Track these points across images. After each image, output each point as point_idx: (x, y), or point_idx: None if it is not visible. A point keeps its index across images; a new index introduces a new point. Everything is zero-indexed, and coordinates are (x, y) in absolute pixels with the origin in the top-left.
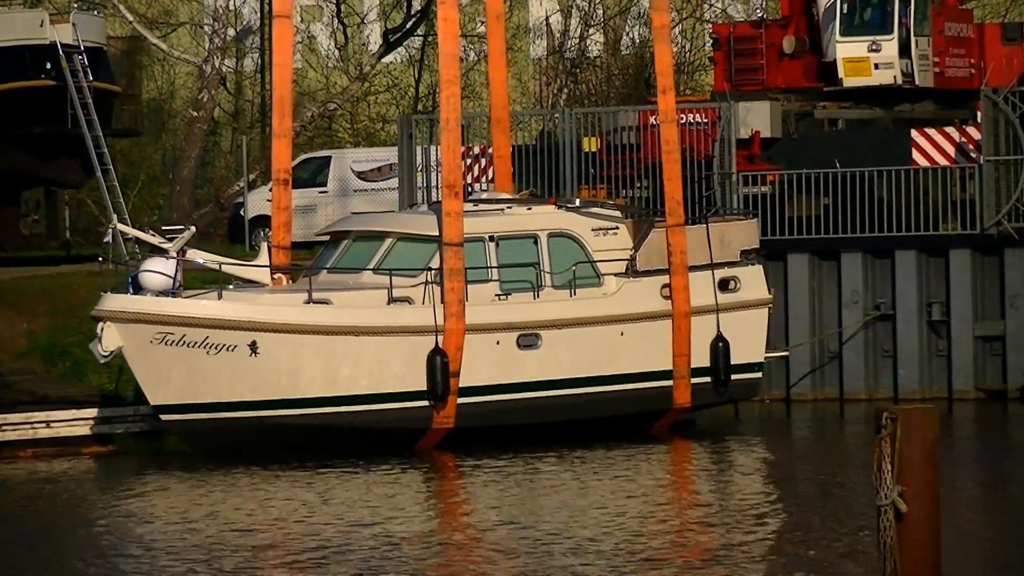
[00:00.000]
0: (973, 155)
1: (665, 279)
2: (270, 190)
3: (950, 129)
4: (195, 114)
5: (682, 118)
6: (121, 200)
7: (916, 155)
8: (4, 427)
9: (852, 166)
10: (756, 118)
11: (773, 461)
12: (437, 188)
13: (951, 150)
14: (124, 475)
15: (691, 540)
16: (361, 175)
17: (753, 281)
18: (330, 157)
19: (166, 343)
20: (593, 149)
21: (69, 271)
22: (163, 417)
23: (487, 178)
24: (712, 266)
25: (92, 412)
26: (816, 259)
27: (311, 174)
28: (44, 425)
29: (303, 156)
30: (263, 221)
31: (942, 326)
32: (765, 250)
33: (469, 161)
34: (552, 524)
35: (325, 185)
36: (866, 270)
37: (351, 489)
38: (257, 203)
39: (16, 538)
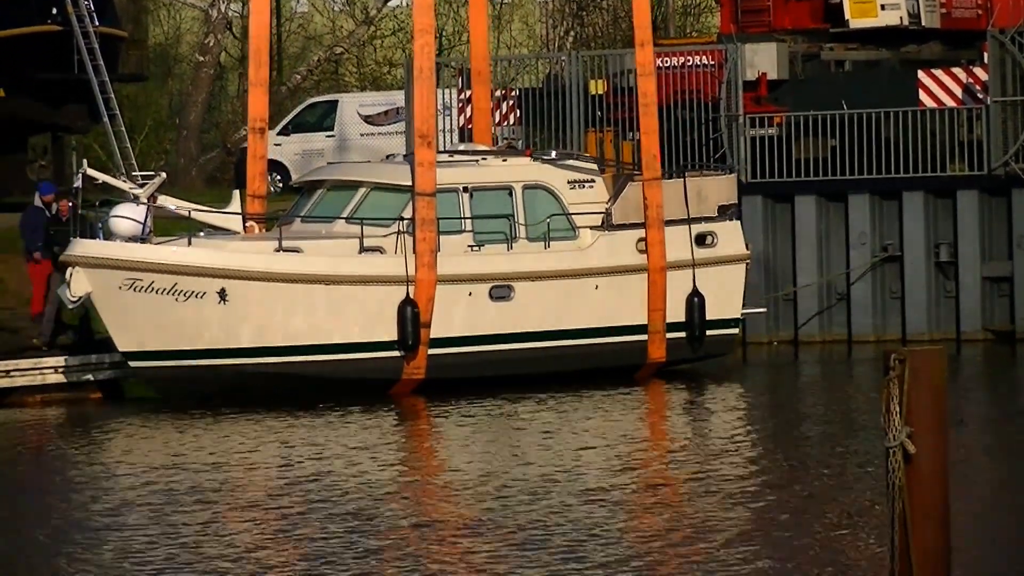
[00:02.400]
0: (980, 96)
1: (641, 233)
2: (278, 134)
3: (957, 70)
4: (201, 59)
5: (689, 60)
6: (128, 145)
7: (923, 96)
8: (13, 373)
9: (859, 107)
10: (763, 60)
11: (780, 403)
12: (443, 131)
13: (958, 91)
14: (124, 419)
15: (686, 476)
16: (368, 119)
17: (731, 236)
18: (336, 101)
19: (135, 289)
20: (600, 92)
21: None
22: (131, 364)
23: (509, 122)
24: (689, 221)
25: (100, 357)
26: (823, 201)
27: (318, 119)
28: (52, 371)
29: (310, 100)
30: (272, 166)
31: (950, 267)
32: (773, 192)
33: (492, 105)
34: (561, 464)
35: (332, 129)
36: (873, 212)
37: (317, 432)
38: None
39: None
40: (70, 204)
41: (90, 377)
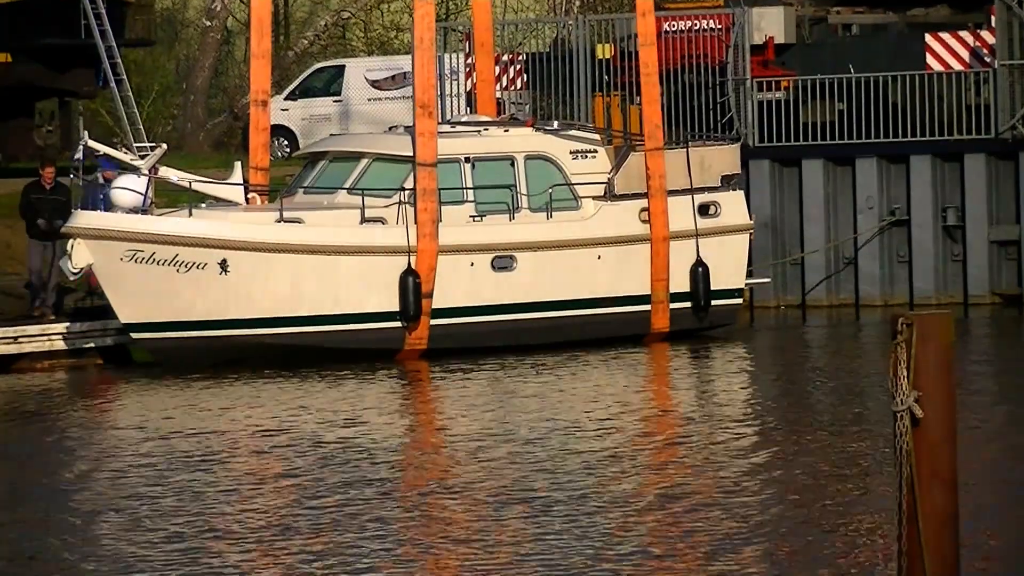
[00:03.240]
0: (987, 59)
1: (643, 203)
2: (285, 99)
3: (964, 33)
4: (208, 23)
5: (696, 24)
6: (135, 110)
7: (930, 60)
8: (21, 339)
9: (866, 71)
10: (770, 24)
11: (787, 366)
12: (449, 96)
13: (965, 55)
14: (132, 384)
15: (690, 438)
16: (375, 84)
17: (734, 206)
18: (344, 66)
19: (136, 260)
20: (607, 56)
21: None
22: (133, 335)
23: (515, 87)
24: (692, 191)
25: (107, 323)
26: (831, 165)
27: (325, 84)
28: (60, 337)
29: (317, 65)
30: (278, 131)
31: (957, 231)
32: (780, 156)
33: (498, 69)
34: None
35: (339, 94)
36: (881, 175)
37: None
38: (272, 113)
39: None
40: (55, 171)
41: (95, 343)
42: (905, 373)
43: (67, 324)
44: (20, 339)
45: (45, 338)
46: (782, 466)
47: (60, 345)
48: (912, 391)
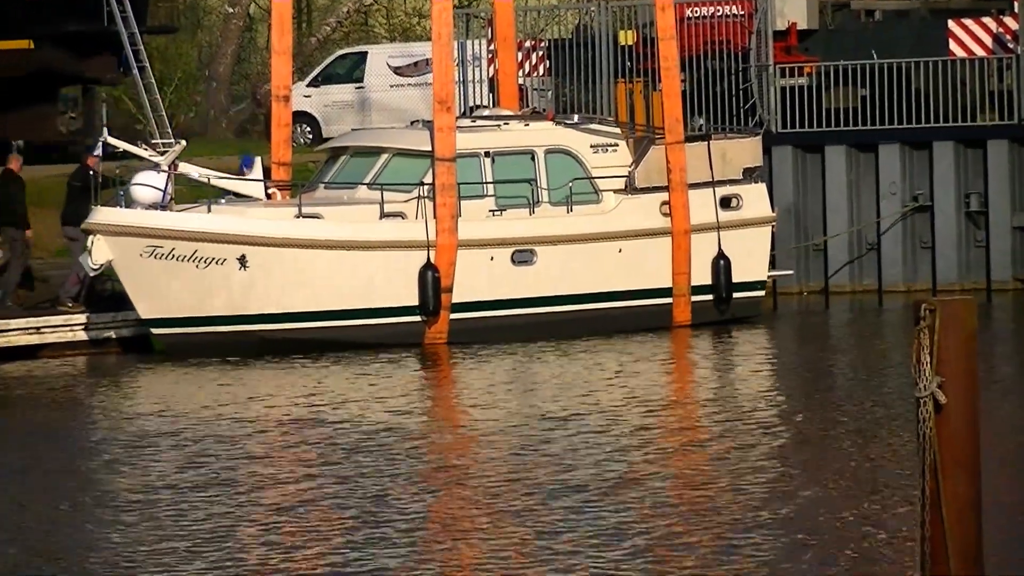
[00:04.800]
0: (1010, 45)
1: (664, 196)
2: (307, 86)
3: (987, 19)
4: (230, 10)
5: (719, 10)
6: (158, 97)
7: (953, 46)
8: (44, 330)
9: (889, 57)
10: (793, 9)
11: (809, 352)
12: (472, 82)
13: (988, 40)
14: (153, 371)
15: (713, 423)
16: (397, 71)
17: (756, 199)
18: (366, 53)
19: (155, 256)
20: (629, 42)
21: (106, 168)
22: (153, 331)
23: (538, 74)
24: (713, 183)
25: (130, 314)
26: (854, 151)
27: (347, 70)
28: (82, 327)
29: (339, 52)
30: (301, 117)
31: (980, 217)
32: (803, 142)
33: (521, 56)
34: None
35: (361, 81)
36: (904, 161)
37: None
38: (294, 99)
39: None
40: (98, 158)
41: (115, 334)
42: (928, 359)
43: (88, 314)
44: (42, 329)
45: (67, 328)
46: (805, 453)
47: (82, 335)
48: (935, 377)
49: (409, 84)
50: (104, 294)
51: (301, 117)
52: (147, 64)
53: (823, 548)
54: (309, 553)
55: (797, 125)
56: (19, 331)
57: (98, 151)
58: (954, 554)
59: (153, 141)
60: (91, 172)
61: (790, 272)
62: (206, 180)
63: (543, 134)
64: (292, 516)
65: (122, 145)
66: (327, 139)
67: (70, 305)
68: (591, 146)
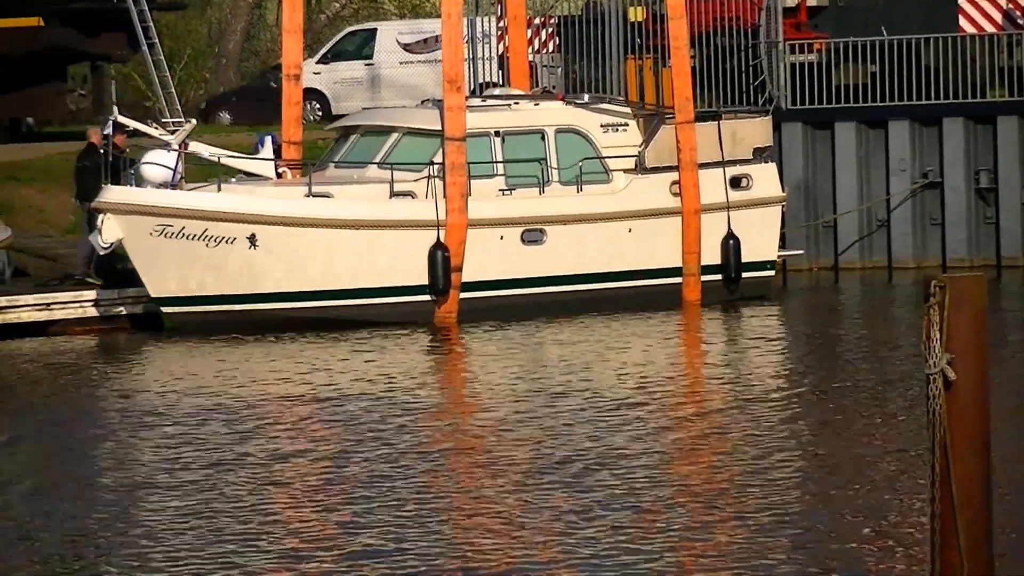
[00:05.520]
0: (1020, 21)
1: (674, 176)
2: (316, 63)
3: None
4: None
5: None
6: (167, 74)
7: (963, 22)
8: (53, 306)
9: (899, 33)
10: None
11: (819, 328)
12: (481, 60)
13: (998, 17)
14: (165, 346)
15: (722, 399)
16: (407, 47)
17: (766, 179)
18: (375, 29)
19: (165, 235)
20: (639, 19)
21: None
22: (163, 309)
23: (548, 50)
24: (723, 163)
25: (137, 292)
26: (864, 127)
27: (356, 47)
28: (92, 304)
29: (348, 29)
30: (310, 95)
31: (990, 193)
32: (813, 118)
33: (530, 33)
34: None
35: (371, 58)
36: (914, 138)
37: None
38: (304, 76)
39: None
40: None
41: (131, 309)
42: (938, 336)
43: (98, 291)
44: (52, 305)
45: (77, 304)
46: (814, 429)
47: (92, 312)
48: (945, 354)
49: (419, 61)
50: (121, 271)
51: (310, 94)
52: (156, 41)
53: (832, 526)
54: (336, 532)
55: (807, 102)
56: (29, 307)
57: (107, 129)
58: (964, 531)
59: (163, 120)
60: (100, 150)
61: (800, 252)
62: (216, 159)
63: (553, 114)
64: (323, 493)
65: (132, 124)
66: (336, 116)
67: (89, 279)
68: (601, 126)
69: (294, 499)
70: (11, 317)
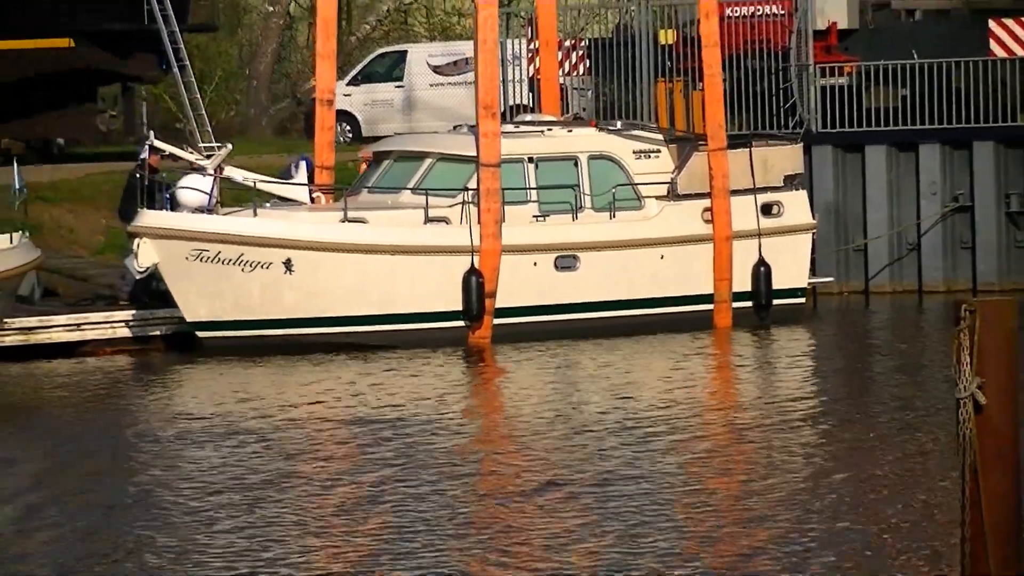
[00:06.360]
0: None
1: (706, 203)
2: (347, 84)
3: None
4: (271, 9)
5: (759, 9)
6: (198, 96)
7: (994, 45)
8: (84, 326)
9: (929, 57)
10: (833, 9)
11: (849, 352)
12: (512, 82)
13: None
14: (198, 367)
15: (753, 422)
16: (437, 69)
17: (796, 206)
18: (406, 51)
19: (201, 260)
20: (670, 42)
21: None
22: (198, 334)
23: (578, 73)
24: (754, 190)
25: (169, 312)
26: (894, 151)
27: (387, 69)
28: (123, 324)
29: (379, 51)
30: (341, 116)
31: (1020, 217)
32: (843, 142)
33: (561, 55)
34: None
35: (401, 80)
36: (944, 161)
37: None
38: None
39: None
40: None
41: (161, 330)
42: (968, 359)
43: (131, 311)
44: (83, 326)
45: (108, 325)
46: (846, 454)
47: (123, 332)
48: (975, 377)
49: (449, 83)
50: (158, 291)
51: (341, 116)
52: (187, 62)
53: (863, 545)
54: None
55: (837, 125)
56: (60, 327)
57: (144, 154)
58: (994, 554)
59: (200, 145)
60: (140, 172)
61: (830, 279)
62: (251, 184)
63: (586, 140)
64: (361, 513)
65: (168, 148)
66: (367, 138)
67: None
68: (634, 152)
69: (330, 522)
70: (42, 337)
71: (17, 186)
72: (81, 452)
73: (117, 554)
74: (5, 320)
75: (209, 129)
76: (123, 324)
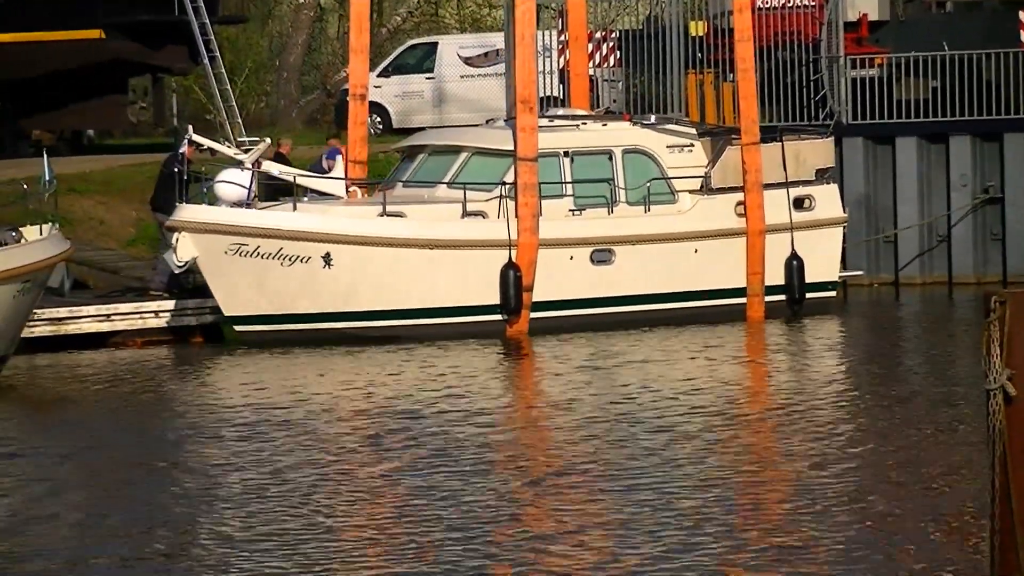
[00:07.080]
0: None
1: (739, 197)
2: (378, 76)
3: None
4: (301, 0)
5: (790, 1)
6: (228, 87)
7: None
8: (113, 317)
9: (960, 48)
10: (864, 1)
11: (879, 343)
12: (542, 74)
13: None
14: (231, 357)
15: (784, 412)
16: (467, 61)
17: (828, 200)
18: (437, 43)
19: (240, 254)
20: (700, 33)
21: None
22: (237, 328)
23: (608, 64)
24: (787, 184)
25: (199, 302)
26: (924, 142)
27: (418, 60)
28: (153, 315)
29: (410, 42)
30: (372, 108)
31: None
32: (874, 133)
33: (591, 47)
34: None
35: (432, 71)
36: (975, 153)
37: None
38: None
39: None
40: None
41: (192, 321)
42: (998, 351)
43: (159, 303)
44: (112, 317)
45: (137, 316)
46: (875, 442)
47: (153, 323)
48: (1005, 369)
49: (480, 74)
50: (188, 285)
51: (372, 107)
52: (217, 54)
53: (892, 539)
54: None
55: (868, 116)
56: (90, 318)
57: (182, 148)
58: (1023, 546)
59: (239, 140)
60: (180, 164)
61: (860, 272)
62: (290, 178)
63: (621, 134)
64: (409, 510)
65: (207, 143)
66: (398, 130)
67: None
68: (668, 146)
69: (371, 516)
70: (71, 328)
71: (47, 177)
72: (117, 444)
73: (170, 546)
74: (35, 311)
75: (239, 120)
76: (152, 315)
